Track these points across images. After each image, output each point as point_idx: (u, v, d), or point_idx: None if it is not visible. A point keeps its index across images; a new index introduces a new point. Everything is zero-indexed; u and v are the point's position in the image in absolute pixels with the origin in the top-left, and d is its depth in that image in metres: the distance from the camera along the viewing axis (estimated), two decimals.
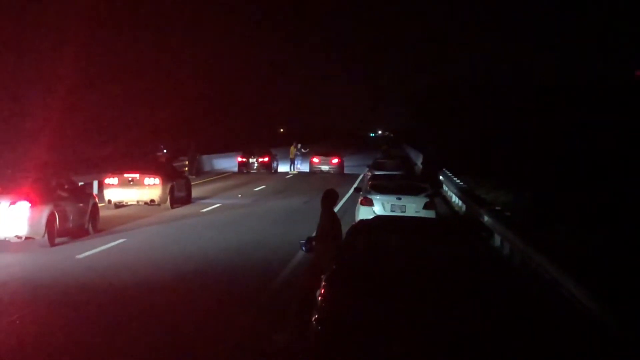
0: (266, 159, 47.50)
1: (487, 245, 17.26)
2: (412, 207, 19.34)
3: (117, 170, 26.42)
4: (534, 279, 13.03)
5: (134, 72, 49.86)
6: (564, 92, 55.35)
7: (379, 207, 19.34)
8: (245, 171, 46.70)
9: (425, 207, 19.39)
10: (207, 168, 48.86)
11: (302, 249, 10.30)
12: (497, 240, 17.24)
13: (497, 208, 19.71)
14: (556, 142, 43.54)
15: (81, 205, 19.12)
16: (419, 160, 51.75)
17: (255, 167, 47.20)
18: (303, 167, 49.96)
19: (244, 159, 47.41)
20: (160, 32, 54.12)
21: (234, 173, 46.93)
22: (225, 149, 55.56)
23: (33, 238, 16.84)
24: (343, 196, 29.42)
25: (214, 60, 63.03)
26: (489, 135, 55.20)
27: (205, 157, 49.74)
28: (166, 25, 55.28)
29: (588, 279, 10.28)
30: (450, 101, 73.04)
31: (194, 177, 40.66)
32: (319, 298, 7.97)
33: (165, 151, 39.70)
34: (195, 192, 30.20)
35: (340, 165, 47.45)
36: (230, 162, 52.03)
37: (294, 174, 47.43)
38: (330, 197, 10.40)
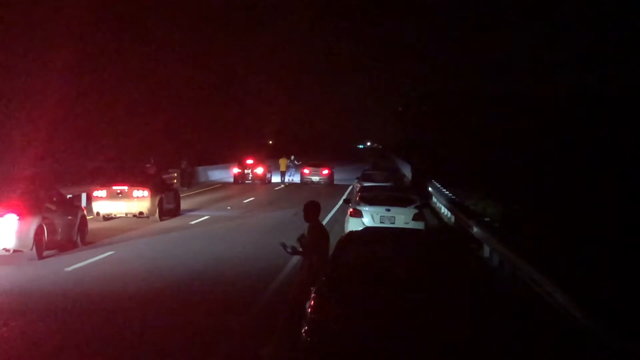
0: (261, 171, 48.31)
1: (476, 256, 17.29)
2: (401, 218, 19.36)
3: (106, 182, 26.40)
4: (523, 290, 13.06)
5: (124, 84, 49.82)
6: (550, 101, 55.64)
7: (368, 218, 19.36)
8: (240, 182, 47.32)
9: (415, 218, 19.42)
10: (202, 179, 49.19)
11: (287, 251, 9.91)
12: (487, 251, 17.27)
13: (486, 219, 19.76)
14: (546, 153, 43.74)
15: (69, 217, 19.05)
16: (407, 172, 51.91)
17: (250, 178, 47.97)
18: (295, 178, 50.45)
19: (240, 170, 48.12)
20: (151, 43, 54.13)
21: (225, 184, 47.15)
22: (219, 160, 55.95)
23: (21, 251, 16.75)
24: (332, 207, 29.43)
25: (201, 73, 63.05)
26: (477, 146, 55.42)
27: (200, 169, 50.09)
28: (156, 36, 55.27)
29: (575, 288, 10.31)
30: (439, 112, 73.29)
31: (185, 189, 40.83)
32: (309, 310, 7.96)
33: (152, 161, 39.68)
34: (184, 204, 30.17)
35: (331, 176, 48.04)
36: (224, 173, 52.42)
37: (284, 186, 47.57)
38: (311, 209, 9.90)
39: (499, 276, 15.09)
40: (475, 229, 18.72)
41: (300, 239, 9.75)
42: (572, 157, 39.37)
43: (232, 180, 49.03)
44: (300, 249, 9.72)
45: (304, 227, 9.96)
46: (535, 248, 15.02)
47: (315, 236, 9.63)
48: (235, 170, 48.90)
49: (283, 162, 51.83)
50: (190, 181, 44.79)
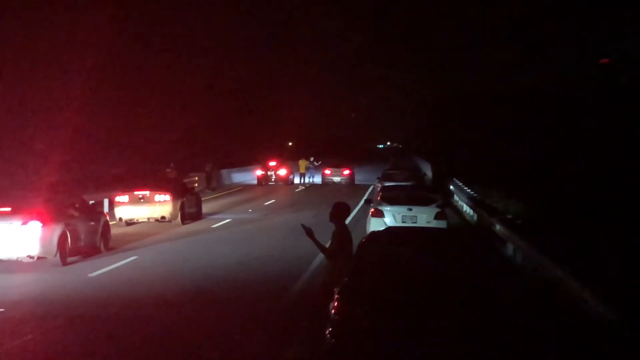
0: (284, 172, 48.82)
1: (499, 254, 17.20)
2: (423, 217, 19.28)
3: (128, 187, 26.48)
4: (547, 288, 12.95)
5: (146, 91, 50.10)
6: (573, 99, 55.22)
7: (389, 218, 19.29)
8: (263, 184, 47.73)
9: (437, 217, 19.32)
10: (226, 182, 49.52)
11: (305, 229, 9.67)
12: (510, 249, 17.16)
13: (509, 217, 19.63)
14: (566, 150, 43.41)
15: (92, 223, 19.15)
16: (428, 171, 51.75)
17: (273, 180, 48.42)
18: (316, 179, 50.56)
19: (263, 172, 48.60)
20: (172, 49, 54.42)
21: (247, 186, 47.42)
22: (242, 163, 56.30)
23: (45, 257, 16.86)
24: (354, 208, 29.39)
25: (222, 78, 63.31)
26: (498, 144, 55.14)
27: (224, 171, 50.41)
28: (178, 43, 55.55)
29: (602, 287, 10.21)
30: (458, 111, 73.04)
31: (210, 192, 41.24)
32: (332, 311, 7.95)
33: (172, 166, 39.90)
34: (206, 208, 30.25)
35: (351, 176, 48.09)
36: (248, 176, 52.75)
37: (305, 187, 47.59)
38: (339, 211, 9.83)
39: (523, 274, 15.00)
40: (498, 227, 18.62)
41: (306, 228, 9.61)
42: (596, 153, 39.02)
43: (255, 182, 49.37)
44: (307, 229, 9.59)
45: (325, 229, 9.91)
46: (559, 246, 14.89)
47: (340, 238, 9.60)
48: (259, 172, 49.43)
49: (302, 164, 51.92)
50: (214, 184, 45.07)
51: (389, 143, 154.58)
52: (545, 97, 58.21)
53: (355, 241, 9.75)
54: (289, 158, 57.46)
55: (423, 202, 20.07)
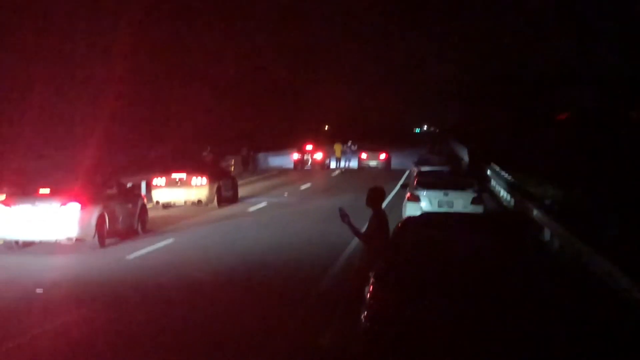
0: (320, 156, 48.81)
1: (536, 240, 17.04)
2: (460, 202, 19.18)
3: (165, 170, 26.64)
4: (584, 274, 12.81)
5: (184, 75, 50.29)
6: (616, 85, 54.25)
7: (426, 203, 19.21)
8: (300, 168, 47.76)
9: (473, 202, 19.21)
10: (262, 166, 49.70)
11: (342, 215, 9.63)
12: (547, 234, 17.00)
13: (547, 202, 19.45)
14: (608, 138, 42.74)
15: (130, 206, 19.31)
16: (465, 156, 51.42)
17: (309, 164, 48.47)
18: (352, 163, 50.50)
19: (299, 156, 48.60)
20: (210, 34, 54.53)
21: (283, 170, 47.50)
22: (279, 146, 56.45)
23: (83, 240, 17.04)
24: (390, 192, 29.30)
25: (260, 61, 63.36)
26: (535, 130, 54.52)
27: (260, 155, 50.58)
28: (211, 25, 55.61)
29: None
30: (498, 96, 72.30)
31: (247, 175, 41.55)
32: (368, 295, 7.93)
33: (209, 149, 40.10)
34: (242, 191, 30.35)
35: (388, 160, 47.93)
36: (284, 160, 52.86)
37: (341, 171, 47.54)
38: (375, 196, 9.84)
39: (560, 260, 14.85)
40: (535, 212, 18.45)
41: (343, 212, 9.57)
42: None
43: (291, 166, 49.39)
44: (343, 213, 9.56)
45: (361, 214, 9.88)
46: (596, 233, 14.72)
47: (377, 223, 9.59)
48: (295, 156, 49.40)
49: (338, 148, 51.87)
50: (251, 168, 45.26)
51: (425, 127, 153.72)
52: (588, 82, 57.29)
53: (391, 226, 9.71)
54: (326, 142, 57.46)
55: (459, 187, 19.95)
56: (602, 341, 8.14)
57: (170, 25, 48.93)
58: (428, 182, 20.31)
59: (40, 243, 17.34)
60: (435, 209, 18.89)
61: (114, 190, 18.81)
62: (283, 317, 11.00)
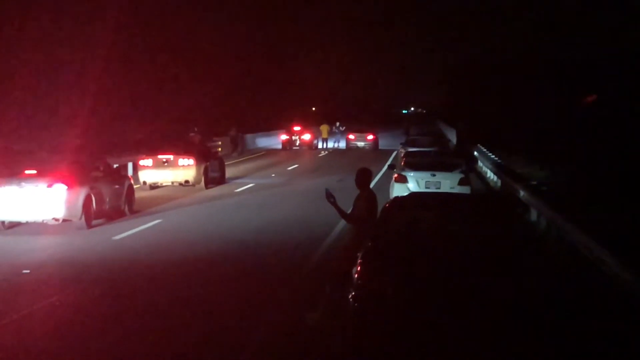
0: (308, 137, 49.04)
1: (523, 220, 17.09)
2: (447, 183, 19.21)
3: (152, 151, 26.56)
4: (571, 254, 12.88)
5: (168, 54, 50.04)
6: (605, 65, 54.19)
7: (413, 183, 19.24)
8: (288, 148, 47.96)
9: (460, 183, 19.24)
10: (250, 146, 49.70)
11: (329, 199, 9.66)
12: (534, 215, 17.06)
13: (533, 183, 19.50)
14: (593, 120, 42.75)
15: (117, 187, 19.27)
16: (452, 137, 51.52)
17: (297, 145, 48.65)
18: (340, 144, 50.72)
19: (287, 137, 48.81)
20: (195, 11, 54.24)
21: (271, 151, 47.59)
22: (266, 127, 56.48)
23: (70, 220, 17.02)
24: (377, 173, 29.34)
25: (246, 40, 63.14)
26: (523, 111, 54.51)
27: (248, 136, 50.56)
28: (198, 6, 55.33)
29: (628, 255, 10.10)
30: (484, 77, 72.27)
31: (235, 155, 41.48)
32: (355, 275, 7.95)
33: (196, 130, 40.02)
34: (229, 172, 30.34)
35: (375, 141, 48.14)
36: (272, 140, 52.91)
37: (327, 152, 47.61)
38: (363, 177, 9.89)
39: (546, 241, 14.92)
40: (522, 193, 18.50)
41: (328, 192, 9.59)
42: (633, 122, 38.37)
43: (279, 147, 49.54)
44: (328, 194, 9.57)
45: (348, 194, 9.89)
46: (583, 212, 14.77)
47: (366, 203, 9.60)
48: (283, 137, 49.61)
49: (324, 129, 52.01)
50: (238, 149, 45.24)
51: (412, 109, 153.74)
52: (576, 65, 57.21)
53: (379, 207, 9.74)
54: (314, 123, 57.50)
55: (447, 167, 19.98)
56: (587, 318, 8.20)
57: (157, 6, 48.64)
58: (415, 162, 20.33)
59: (27, 224, 17.31)
60: (422, 189, 18.92)
61: (100, 171, 18.76)
62: (271, 295, 11.01)
